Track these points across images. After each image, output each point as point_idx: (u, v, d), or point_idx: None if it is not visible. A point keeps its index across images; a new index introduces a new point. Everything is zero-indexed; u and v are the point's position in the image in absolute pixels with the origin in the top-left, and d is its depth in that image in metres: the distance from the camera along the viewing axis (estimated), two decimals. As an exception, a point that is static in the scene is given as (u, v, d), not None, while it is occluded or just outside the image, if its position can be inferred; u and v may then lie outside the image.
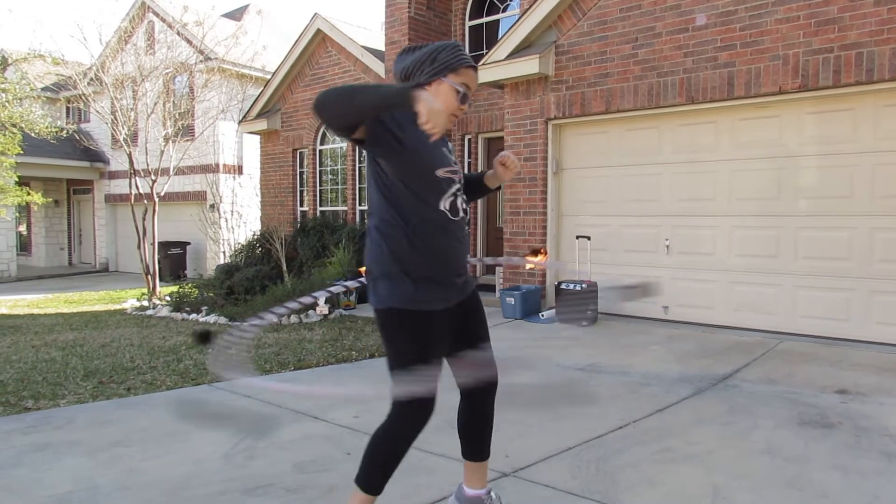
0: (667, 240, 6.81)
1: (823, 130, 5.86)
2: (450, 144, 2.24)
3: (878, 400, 3.95)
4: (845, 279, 5.74)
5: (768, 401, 3.96)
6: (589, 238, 7.02)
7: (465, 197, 2.16)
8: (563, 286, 6.81)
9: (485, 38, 9.61)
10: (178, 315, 8.18)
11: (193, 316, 7.99)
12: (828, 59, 5.62)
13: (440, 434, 3.37)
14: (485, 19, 9.66)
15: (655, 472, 2.87)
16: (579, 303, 6.52)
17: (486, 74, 7.75)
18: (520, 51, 7.50)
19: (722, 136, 6.46)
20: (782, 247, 6.09)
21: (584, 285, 6.67)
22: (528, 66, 7.35)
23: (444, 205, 2.06)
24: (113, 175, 17.31)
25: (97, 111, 11.92)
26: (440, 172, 2.06)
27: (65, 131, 14.38)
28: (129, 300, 10.13)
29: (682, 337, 6.03)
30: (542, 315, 6.98)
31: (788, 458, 3.04)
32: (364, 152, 2.06)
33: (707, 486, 2.72)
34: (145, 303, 9.43)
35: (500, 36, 8.83)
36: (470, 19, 9.77)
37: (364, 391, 4.24)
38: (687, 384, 4.37)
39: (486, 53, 8.00)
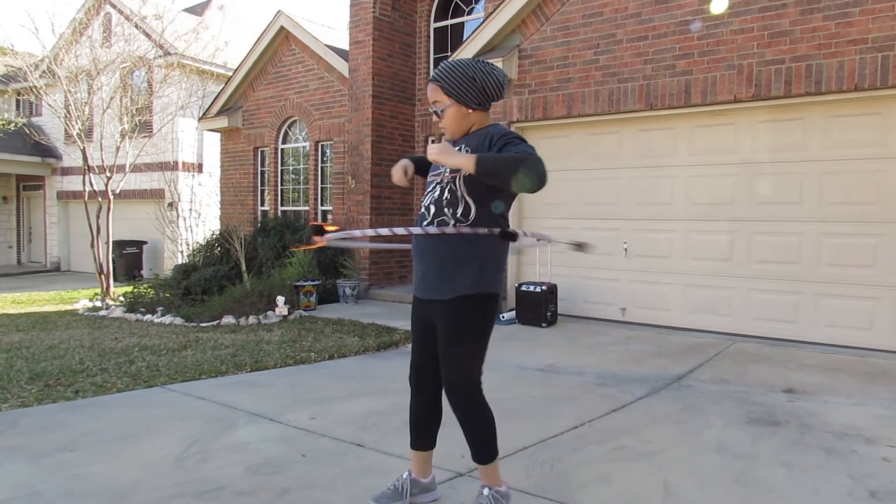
0: (625, 243, 6.93)
1: (776, 138, 6.07)
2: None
3: (822, 398, 4.10)
4: (794, 283, 5.94)
5: (719, 400, 4.07)
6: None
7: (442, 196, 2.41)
8: (523, 288, 6.87)
9: (450, 40, 9.63)
10: (133, 316, 7.94)
11: (148, 317, 7.77)
12: (780, 69, 5.82)
13: (399, 436, 3.37)
14: (450, 21, 9.68)
15: (609, 471, 2.92)
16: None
17: (450, 76, 7.74)
18: (484, 53, 7.53)
19: (679, 142, 6.62)
20: (736, 251, 6.27)
21: (543, 287, 6.74)
22: (492, 69, 7.38)
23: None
24: (66, 171, 16.70)
25: (49, 105, 11.49)
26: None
27: (13, 124, 13.83)
28: (82, 301, 9.78)
29: (640, 338, 6.15)
30: (503, 317, 7.02)
31: (737, 455, 3.12)
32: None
33: (658, 484, 2.78)
34: (98, 303, 9.13)
35: (464, 38, 8.86)
36: (435, 21, 9.78)
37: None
38: (642, 384, 4.45)
39: (451, 55, 8.01)
